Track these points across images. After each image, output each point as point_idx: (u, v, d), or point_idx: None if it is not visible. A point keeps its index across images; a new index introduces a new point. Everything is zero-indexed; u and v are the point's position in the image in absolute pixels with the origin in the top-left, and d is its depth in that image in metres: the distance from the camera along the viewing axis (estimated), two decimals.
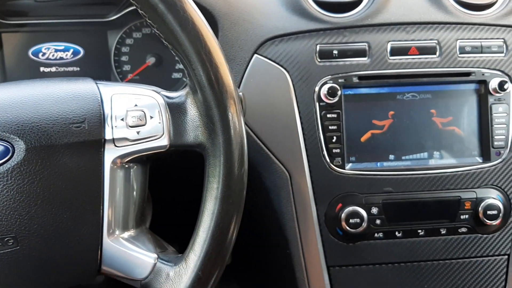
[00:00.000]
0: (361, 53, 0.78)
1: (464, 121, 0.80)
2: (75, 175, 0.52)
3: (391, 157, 0.79)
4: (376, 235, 0.78)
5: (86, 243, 0.53)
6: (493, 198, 0.79)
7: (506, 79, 0.80)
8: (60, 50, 0.92)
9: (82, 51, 0.92)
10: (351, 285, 0.79)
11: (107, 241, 0.53)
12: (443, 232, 0.79)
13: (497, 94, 0.80)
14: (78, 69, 0.92)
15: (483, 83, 0.80)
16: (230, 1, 0.80)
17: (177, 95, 0.55)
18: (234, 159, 0.51)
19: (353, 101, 0.78)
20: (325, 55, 0.78)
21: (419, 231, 0.79)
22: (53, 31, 0.91)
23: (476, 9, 0.83)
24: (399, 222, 0.78)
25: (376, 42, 0.78)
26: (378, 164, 0.79)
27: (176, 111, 0.54)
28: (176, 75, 0.92)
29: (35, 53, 0.91)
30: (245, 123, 0.77)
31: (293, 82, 0.77)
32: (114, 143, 0.53)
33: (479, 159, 0.81)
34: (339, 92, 0.77)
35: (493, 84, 0.79)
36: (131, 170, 0.56)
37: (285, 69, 0.77)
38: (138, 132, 0.53)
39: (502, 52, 0.81)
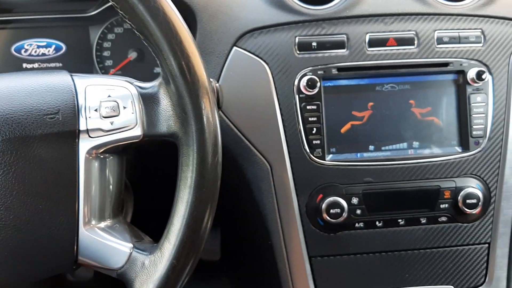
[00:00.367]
0: (339, 45, 0.79)
1: (443, 111, 0.81)
2: (50, 166, 0.52)
3: (371, 147, 0.80)
4: (356, 225, 0.79)
5: (62, 233, 0.53)
6: (472, 187, 0.80)
7: (484, 69, 0.80)
8: (42, 46, 0.92)
9: (64, 47, 0.92)
10: (332, 275, 0.80)
11: (83, 231, 0.54)
12: (423, 221, 0.80)
13: (475, 84, 0.80)
14: (61, 65, 0.92)
15: (461, 73, 0.81)
16: None
17: (150, 85, 0.55)
18: (207, 148, 0.52)
19: (332, 93, 0.79)
20: (304, 47, 0.78)
21: (399, 220, 0.80)
22: (35, 27, 0.91)
23: (453, 0, 0.83)
24: (379, 212, 0.79)
25: (355, 34, 0.79)
26: (358, 155, 0.80)
27: (149, 101, 0.54)
28: (158, 70, 0.92)
29: (18, 50, 0.92)
30: (225, 116, 0.79)
31: (273, 74, 0.78)
32: (88, 133, 0.54)
33: (458, 149, 0.81)
34: (318, 84, 0.77)
35: (471, 74, 0.80)
36: (107, 160, 0.57)
37: (264, 61, 0.78)
38: (111, 123, 0.54)
39: (480, 42, 0.82)
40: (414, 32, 0.80)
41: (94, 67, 0.92)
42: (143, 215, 0.79)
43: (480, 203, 0.80)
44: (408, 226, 0.80)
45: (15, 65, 0.91)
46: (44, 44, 0.92)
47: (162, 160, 0.81)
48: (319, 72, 0.78)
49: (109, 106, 0.54)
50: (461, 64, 0.81)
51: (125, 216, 0.79)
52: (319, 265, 0.79)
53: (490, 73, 0.81)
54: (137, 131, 0.54)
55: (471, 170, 0.81)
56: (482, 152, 0.81)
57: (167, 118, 0.53)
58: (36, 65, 0.92)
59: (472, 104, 0.81)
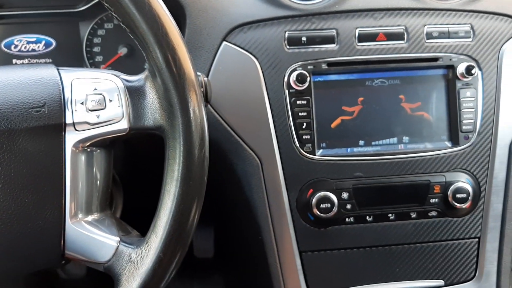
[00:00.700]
0: (329, 39, 0.79)
1: (432, 106, 0.81)
2: (36, 159, 0.52)
3: (361, 142, 0.80)
4: (347, 219, 0.79)
5: (48, 227, 0.53)
6: (462, 181, 0.80)
7: (474, 63, 0.81)
8: (32, 42, 0.92)
9: (54, 43, 0.92)
10: (323, 270, 0.80)
11: (69, 225, 0.54)
12: (413, 216, 0.80)
13: (465, 79, 0.81)
14: (51, 60, 0.92)
15: (451, 68, 0.81)
16: None
17: (136, 78, 0.55)
18: (194, 141, 0.51)
19: (322, 88, 0.79)
20: (294, 42, 0.78)
21: (390, 215, 0.80)
22: (25, 23, 0.91)
23: None
24: (369, 206, 0.79)
25: (344, 29, 0.79)
26: (348, 149, 0.80)
27: (135, 94, 0.54)
28: None
29: (7, 46, 0.91)
30: (215, 111, 0.78)
31: (263, 69, 0.77)
32: (74, 127, 0.53)
33: (448, 143, 0.81)
34: (308, 79, 0.77)
35: (461, 69, 0.80)
36: (94, 154, 0.57)
37: (254, 56, 0.78)
38: (98, 116, 0.54)
39: (470, 37, 0.82)
40: (403, 27, 0.80)
41: (84, 62, 0.91)
42: (133, 210, 0.79)
43: (470, 198, 0.80)
44: (398, 220, 0.80)
45: (5, 61, 0.91)
46: (34, 39, 0.91)
47: (152, 155, 0.81)
48: (309, 67, 0.78)
49: (95, 100, 0.54)
50: (450, 59, 0.81)
51: (115, 212, 0.79)
52: (310, 260, 0.79)
53: (480, 68, 0.81)
54: (123, 124, 0.54)
55: (461, 165, 0.81)
56: (472, 146, 0.81)
57: (153, 111, 0.53)
58: (26, 61, 0.92)
59: (462, 99, 0.81)
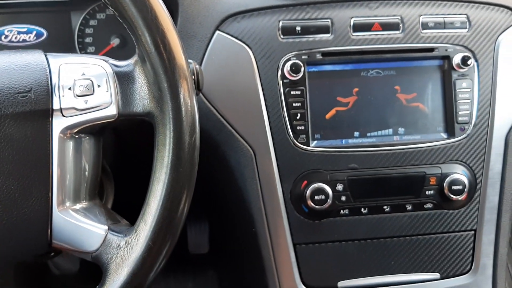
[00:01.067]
0: (324, 29, 0.78)
1: (428, 97, 0.80)
2: (23, 145, 0.51)
3: (356, 134, 0.79)
4: (341, 212, 0.78)
5: (35, 215, 0.52)
6: (458, 173, 0.79)
7: (469, 54, 0.80)
8: (23, 33, 0.90)
9: (45, 33, 0.90)
10: (317, 262, 0.79)
11: (56, 213, 0.52)
12: (409, 208, 0.79)
13: (461, 70, 0.80)
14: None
15: (447, 58, 0.80)
16: None
17: (125, 63, 0.54)
18: (184, 127, 0.50)
19: (317, 78, 0.78)
20: (288, 31, 0.77)
21: (385, 207, 0.79)
22: (15, 12, 0.89)
23: None
24: (364, 198, 0.78)
25: (339, 18, 0.78)
26: (343, 141, 0.79)
27: (124, 79, 0.53)
28: None
29: None
30: (208, 101, 0.77)
31: (256, 59, 0.76)
32: (62, 112, 0.52)
33: (444, 135, 0.80)
34: (302, 69, 0.76)
35: (456, 59, 0.79)
36: (82, 141, 0.55)
37: (247, 45, 0.77)
38: (85, 102, 0.52)
39: (465, 28, 0.81)
40: (399, 17, 0.79)
41: (76, 53, 0.90)
42: (125, 201, 0.77)
43: (466, 190, 0.79)
44: (394, 213, 0.79)
45: None
46: (24, 30, 0.90)
47: (143, 145, 0.80)
48: (303, 57, 0.77)
49: (83, 85, 0.52)
50: (446, 50, 0.80)
51: (106, 203, 0.78)
52: (304, 253, 0.78)
53: (475, 59, 0.81)
54: (112, 110, 0.53)
55: (457, 156, 0.80)
56: (468, 138, 0.80)
57: (142, 97, 0.52)
58: None
59: (458, 90, 0.80)
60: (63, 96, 0.52)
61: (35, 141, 0.51)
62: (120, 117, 0.53)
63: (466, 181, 0.79)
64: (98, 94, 0.53)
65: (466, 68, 0.80)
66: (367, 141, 0.79)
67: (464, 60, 0.79)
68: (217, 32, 0.77)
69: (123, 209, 0.70)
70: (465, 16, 0.81)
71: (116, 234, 0.52)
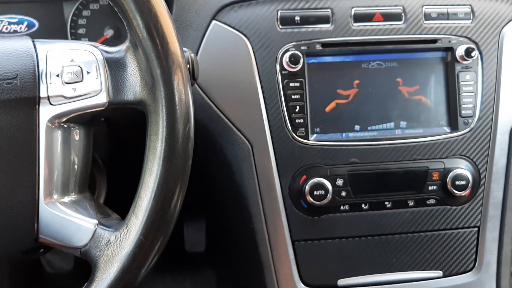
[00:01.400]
0: (324, 19, 0.76)
1: (431, 90, 0.78)
2: (8, 135, 0.48)
3: (357, 127, 0.77)
4: (341, 207, 0.76)
5: (21, 207, 0.49)
6: (461, 168, 0.77)
7: (473, 46, 0.78)
8: (13, 23, 0.88)
9: (37, 24, 0.88)
10: (316, 260, 0.76)
11: (43, 206, 0.50)
12: (411, 204, 0.77)
13: (464, 62, 0.78)
14: None
15: (450, 50, 0.78)
16: None
17: (116, 49, 0.51)
18: (177, 116, 0.48)
19: (316, 70, 0.76)
20: (286, 21, 0.75)
21: (386, 203, 0.77)
22: (6, 2, 0.87)
23: None
24: (365, 194, 0.76)
25: (340, 8, 0.76)
26: (343, 134, 0.77)
27: (115, 66, 0.50)
28: None
29: None
30: (204, 93, 0.75)
31: (254, 50, 0.74)
32: (49, 100, 0.50)
33: (447, 129, 0.78)
34: (301, 60, 0.74)
35: (460, 51, 0.77)
36: (71, 131, 0.53)
37: (245, 36, 0.74)
38: (74, 89, 0.50)
39: (469, 19, 0.79)
40: (401, 7, 0.77)
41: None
42: (118, 196, 0.75)
43: (469, 185, 0.77)
44: (395, 209, 0.77)
45: None
46: (15, 20, 0.88)
47: (137, 138, 0.77)
48: (302, 47, 0.75)
49: (72, 71, 0.50)
50: (449, 41, 0.78)
51: (98, 198, 0.75)
52: (303, 250, 0.76)
53: (479, 51, 0.79)
54: (102, 98, 0.50)
55: (460, 151, 0.78)
56: (472, 132, 0.78)
57: (134, 84, 0.50)
58: None
59: (461, 83, 0.78)
60: (50, 83, 0.50)
61: (21, 130, 0.49)
62: (111, 105, 0.50)
63: (469, 176, 0.77)
64: (88, 81, 0.50)
65: (470, 60, 0.78)
66: (368, 135, 0.77)
67: (468, 52, 0.77)
68: (214, 21, 0.74)
69: (116, 204, 0.67)
70: (469, 7, 0.79)
71: (106, 228, 0.50)
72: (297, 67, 0.74)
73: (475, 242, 0.80)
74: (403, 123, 0.78)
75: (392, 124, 0.77)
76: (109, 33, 0.87)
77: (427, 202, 0.78)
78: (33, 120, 0.49)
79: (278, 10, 0.75)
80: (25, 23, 0.88)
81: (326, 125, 0.76)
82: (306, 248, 0.76)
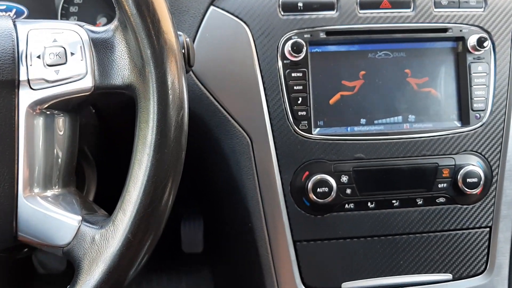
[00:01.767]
0: (328, 5, 0.72)
1: (441, 82, 0.74)
2: None
3: (363, 121, 0.73)
4: (346, 206, 0.71)
5: None
6: (473, 165, 0.73)
7: (486, 35, 0.74)
8: (1, 10, 0.83)
9: (26, 11, 0.84)
10: (319, 261, 0.72)
11: (23, 200, 0.45)
12: (420, 202, 0.73)
13: (476, 52, 0.74)
14: None
15: (461, 40, 0.74)
16: None
17: (103, 29, 0.47)
18: (170, 102, 0.43)
19: (320, 59, 0.72)
20: (289, 7, 0.71)
21: (394, 201, 0.73)
22: None
23: None
24: (371, 191, 0.72)
25: None
26: (348, 128, 0.72)
27: (101, 47, 0.46)
28: None
29: None
30: (201, 83, 0.70)
31: (254, 37, 0.70)
32: (29, 84, 0.45)
33: (458, 123, 0.74)
34: (304, 49, 0.70)
35: (472, 41, 0.73)
36: (55, 118, 0.49)
37: (244, 22, 0.70)
38: (57, 72, 0.46)
39: (481, 7, 0.75)
40: None
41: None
42: (109, 193, 0.71)
43: (481, 183, 0.73)
44: (403, 207, 0.73)
45: None
46: (3, 7, 0.83)
47: (129, 129, 0.73)
48: (305, 35, 0.71)
49: (54, 53, 0.46)
50: (460, 30, 0.74)
51: (87, 193, 0.71)
52: (305, 251, 0.71)
53: (492, 41, 0.75)
54: (87, 82, 0.46)
55: (472, 147, 0.74)
56: (484, 126, 0.74)
57: (122, 67, 0.45)
58: None
59: (473, 74, 0.74)
60: (31, 65, 0.45)
61: None
62: (97, 90, 0.46)
63: (481, 173, 0.73)
64: (72, 63, 0.46)
65: (482, 51, 0.74)
66: (375, 129, 0.73)
67: (480, 42, 0.73)
68: (212, 7, 0.71)
69: (108, 199, 0.63)
70: None
71: (90, 225, 0.45)
72: (299, 56, 0.70)
73: (486, 243, 0.76)
74: (411, 117, 0.74)
75: (400, 118, 0.74)
76: (102, 21, 0.83)
77: (437, 200, 0.73)
78: (12, 106, 0.45)
79: None
80: (14, 10, 0.83)
81: (330, 118, 0.72)
82: (308, 249, 0.72)
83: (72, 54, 0.46)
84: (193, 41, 0.70)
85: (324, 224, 0.72)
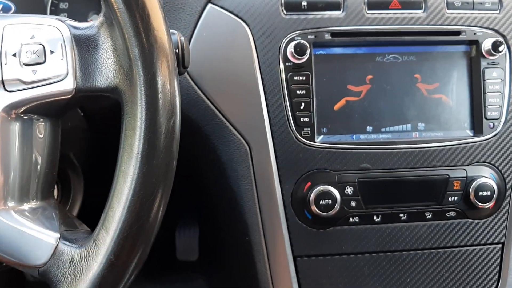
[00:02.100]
0: (334, 5, 0.68)
1: (452, 88, 0.70)
2: None
3: (369, 128, 0.69)
4: (350, 219, 0.67)
5: None
6: (485, 177, 0.69)
7: (501, 39, 0.70)
8: None
9: (13, 7, 0.79)
10: (321, 278, 0.67)
11: None
12: (429, 216, 0.69)
13: (491, 57, 0.70)
14: None
15: (475, 43, 0.70)
16: None
17: (87, 25, 0.43)
18: (159, 107, 0.39)
19: (325, 62, 0.68)
20: (292, 6, 0.67)
21: (401, 215, 0.68)
22: None
23: None
24: (377, 204, 0.67)
25: None
26: (354, 136, 0.68)
27: (85, 45, 0.42)
28: None
29: None
30: (197, 86, 0.66)
31: (254, 38, 0.66)
32: (3, 86, 0.41)
33: (470, 132, 0.70)
34: (308, 51, 0.66)
35: (486, 45, 0.69)
36: (33, 124, 0.44)
37: (244, 22, 0.66)
38: (34, 72, 0.41)
39: (497, 9, 0.71)
40: None
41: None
42: (97, 203, 0.66)
43: (494, 196, 0.69)
44: (411, 222, 0.69)
45: None
46: None
47: (119, 134, 0.69)
48: (309, 36, 0.67)
49: (32, 50, 0.41)
50: (474, 33, 0.70)
51: (73, 204, 0.66)
52: (306, 267, 0.67)
53: (508, 45, 0.71)
54: (68, 84, 0.41)
55: (485, 158, 0.70)
56: (498, 136, 0.70)
57: (107, 68, 0.41)
58: None
59: (487, 80, 0.70)
60: (5, 64, 0.41)
61: None
62: (79, 93, 0.41)
63: (494, 186, 0.69)
64: (51, 63, 0.41)
65: (497, 55, 0.70)
66: (382, 137, 0.69)
67: (495, 46, 0.69)
68: (210, 5, 0.67)
69: (95, 211, 0.58)
70: None
71: (69, 244, 0.41)
72: (303, 58, 0.66)
73: (498, 260, 0.72)
74: (421, 125, 0.70)
75: (408, 126, 0.69)
76: (94, 18, 0.78)
77: (447, 214, 0.69)
78: None
79: None
80: (0, 6, 0.79)
81: (335, 125, 0.68)
82: (310, 265, 0.67)
83: (51, 52, 0.41)
84: (189, 41, 0.65)
85: (327, 239, 0.67)
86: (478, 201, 0.68)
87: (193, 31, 0.66)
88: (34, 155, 0.44)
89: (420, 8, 0.69)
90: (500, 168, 0.70)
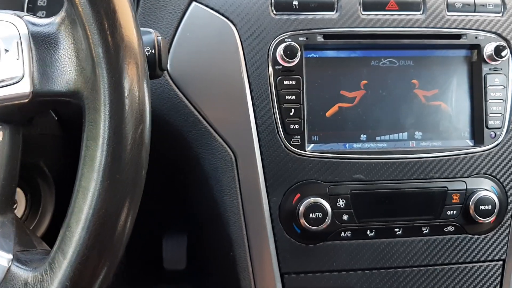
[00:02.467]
0: (327, 5, 0.64)
1: (452, 95, 0.67)
2: None
3: (363, 137, 0.65)
4: (342, 234, 0.64)
5: None
6: (486, 190, 0.66)
7: (504, 44, 0.66)
8: None
9: None
10: None
11: None
12: (425, 231, 0.66)
13: (493, 62, 0.67)
14: None
15: (476, 48, 0.67)
16: None
17: (46, 21, 0.38)
18: (125, 114, 0.35)
19: (317, 66, 0.64)
20: (282, 6, 0.64)
21: (396, 230, 0.65)
22: None
23: None
24: (371, 218, 0.64)
25: None
26: (347, 145, 0.65)
27: (43, 43, 0.37)
28: None
29: None
30: (179, 89, 0.62)
31: (242, 39, 0.62)
32: None
33: (470, 142, 0.67)
34: (299, 54, 0.62)
35: (488, 49, 0.66)
36: None
37: (231, 21, 0.63)
38: None
39: (500, 12, 0.68)
40: None
41: None
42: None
43: (495, 210, 0.66)
44: (407, 237, 0.66)
45: None
46: None
47: None
48: (300, 38, 0.63)
49: None
50: (476, 37, 0.67)
51: (43, 216, 0.61)
52: (294, 284, 0.64)
53: (511, 50, 0.67)
54: (24, 87, 0.37)
55: (485, 169, 0.67)
56: (499, 147, 0.67)
57: (67, 69, 0.37)
58: None
59: (489, 87, 0.67)
60: None
61: None
62: (36, 97, 0.37)
63: (496, 199, 0.66)
64: (5, 63, 0.37)
65: (500, 61, 0.67)
66: (376, 147, 0.65)
67: (498, 51, 0.66)
68: (194, 3, 0.63)
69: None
70: None
71: (22, 266, 0.36)
72: (293, 61, 0.62)
73: (499, 278, 0.69)
74: (418, 134, 0.66)
75: (405, 135, 0.66)
76: None
77: (445, 229, 0.66)
78: None
79: None
80: None
81: (326, 133, 0.64)
82: (298, 283, 0.63)
83: (6, 51, 0.37)
84: (171, 41, 0.62)
85: (317, 255, 0.64)
86: (478, 216, 0.65)
87: (175, 31, 0.62)
88: None
89: (419, 10, 0.66)
90: (501, 180, 0.67)
